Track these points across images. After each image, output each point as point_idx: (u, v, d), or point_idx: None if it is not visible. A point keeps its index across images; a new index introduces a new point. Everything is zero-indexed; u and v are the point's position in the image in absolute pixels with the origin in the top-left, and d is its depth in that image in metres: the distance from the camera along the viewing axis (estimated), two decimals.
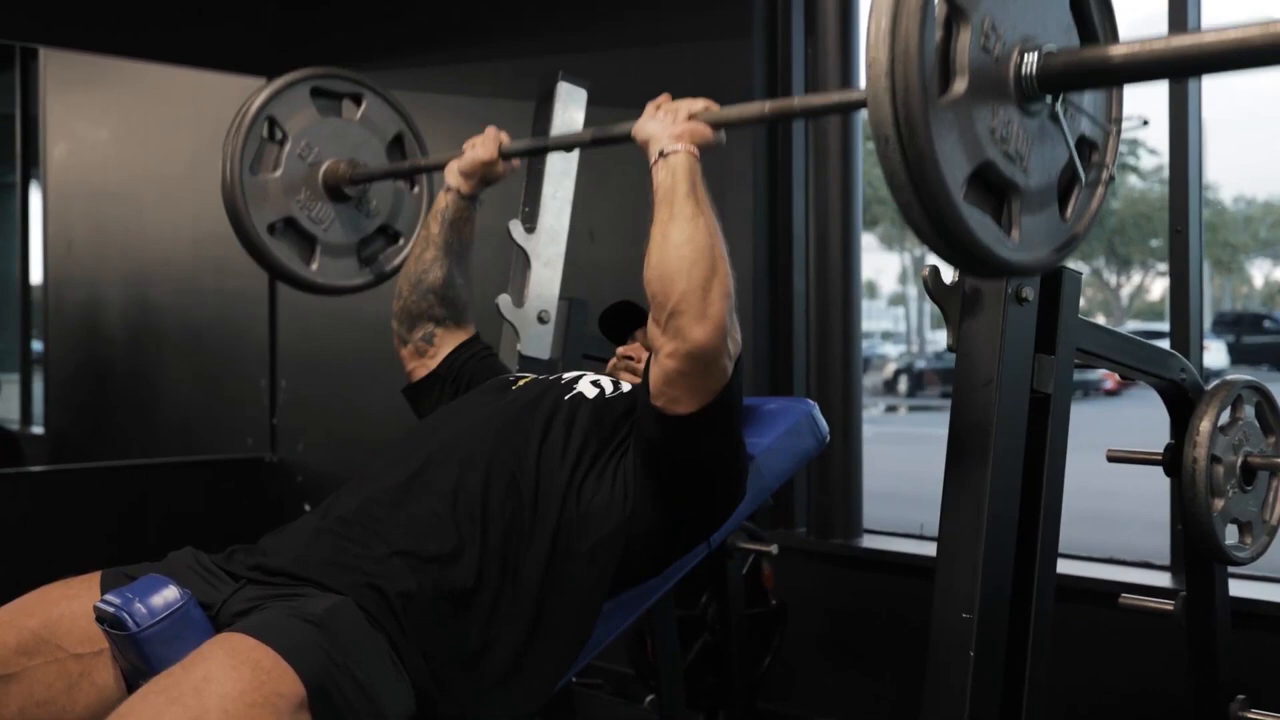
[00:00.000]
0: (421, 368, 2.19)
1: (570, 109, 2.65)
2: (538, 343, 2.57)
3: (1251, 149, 33.38)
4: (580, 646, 1.78)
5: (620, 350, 2.13)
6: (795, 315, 3.39)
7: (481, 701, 1.66)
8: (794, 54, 3.36)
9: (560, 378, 2.02)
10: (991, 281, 1.73)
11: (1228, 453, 2.03)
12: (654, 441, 1.77)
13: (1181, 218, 2.74)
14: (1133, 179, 25.64)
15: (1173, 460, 2.05)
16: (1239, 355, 20.00)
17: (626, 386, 1.98)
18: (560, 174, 2.62)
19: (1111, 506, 5.86)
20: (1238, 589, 2.32)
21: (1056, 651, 2.67)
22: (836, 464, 3.26)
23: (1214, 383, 2.07)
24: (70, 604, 1.64)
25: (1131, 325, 23.28)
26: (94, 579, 1.69)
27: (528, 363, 2.54)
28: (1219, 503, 2.01)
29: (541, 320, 2.58)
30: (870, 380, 20.68)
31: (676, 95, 1.91)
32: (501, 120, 2.85)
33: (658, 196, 1.76)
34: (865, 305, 3.37)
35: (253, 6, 4.80)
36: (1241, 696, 2.12)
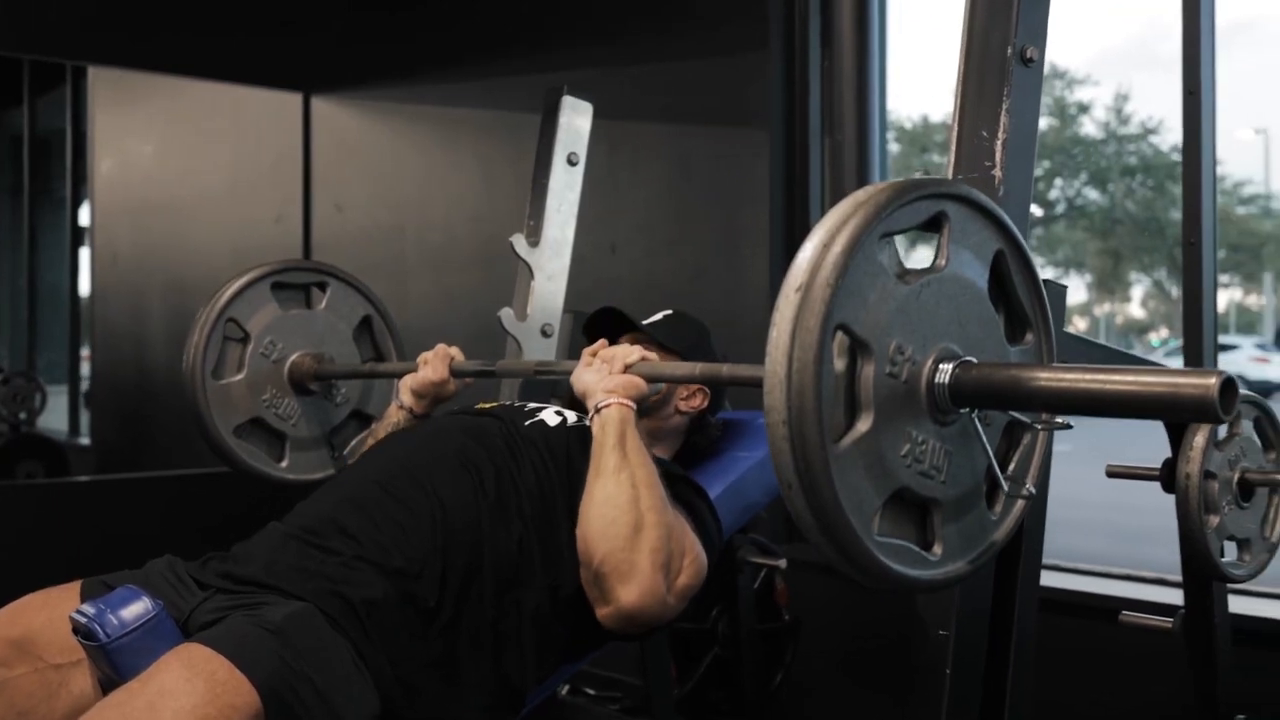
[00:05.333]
0: None
1: (575, 122, 2.67)
2: (540, 356, 2.58)
3: None
4: (553, 659, 1.78)
5: (585, 351, 2.09)
6: None
7: (451, 709, 1.67)
8: (810, 66, 3.36)
9: (524, 405, 2.04)
10: None
11: (1223, 468, 1.99)
12: None
13: (1195, 229, 2.68)
14: None
15: (1168, 476, 2.01)
16: None
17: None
18: (564, 188, 2.63)
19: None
20: (1240, 605, 2.27)
21: (1058, 669, 2.64)
22: None
23: None
24: (50, 613, 1.67)
25: None
26: (74, 588, 1.72)
27: None
28: (1214, 519, 1.97)
29: (545, 334, 2.59)
30: None
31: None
32: (522, 132, 2.84)
33: (591, 453, 1.76)
34: None
35: (290, 23, 4.86)
36: (1241, 717, 2.08)
